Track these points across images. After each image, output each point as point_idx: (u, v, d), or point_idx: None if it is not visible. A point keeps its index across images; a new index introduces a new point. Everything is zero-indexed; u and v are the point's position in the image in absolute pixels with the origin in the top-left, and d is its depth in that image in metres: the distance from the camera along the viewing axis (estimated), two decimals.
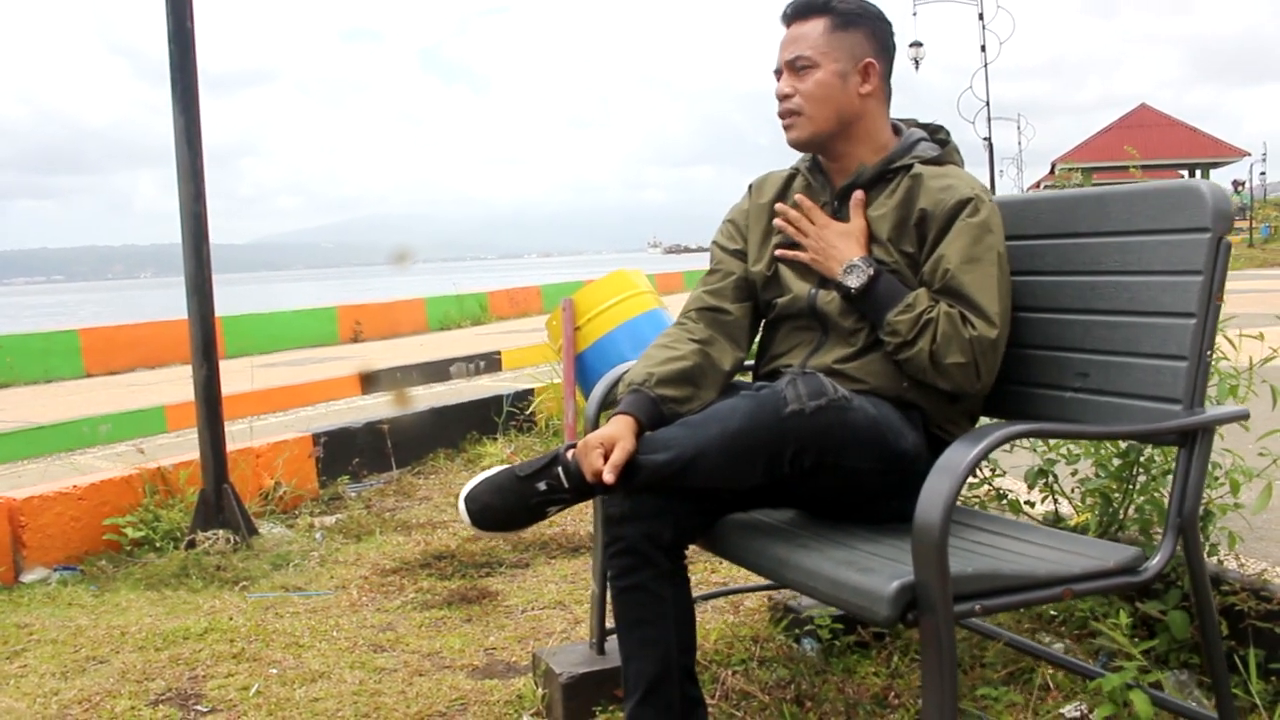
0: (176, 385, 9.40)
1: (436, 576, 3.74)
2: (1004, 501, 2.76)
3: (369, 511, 4.75)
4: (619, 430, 1.98)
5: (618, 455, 1.92)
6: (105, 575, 3.94)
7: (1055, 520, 2.75)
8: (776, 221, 2.27)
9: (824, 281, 2.19)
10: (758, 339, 2.41)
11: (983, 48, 19.65)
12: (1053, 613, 2.74)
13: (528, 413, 6.18)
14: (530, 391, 6.34)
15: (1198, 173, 30.99)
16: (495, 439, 5.97)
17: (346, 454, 5.21)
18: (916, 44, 23.28)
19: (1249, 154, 33.08)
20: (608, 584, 2.02)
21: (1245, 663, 2.22)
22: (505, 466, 2.07)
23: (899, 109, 2.32)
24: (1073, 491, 2.73)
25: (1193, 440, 1.82)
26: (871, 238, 2.16)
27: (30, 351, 10.88)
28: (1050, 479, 2.72)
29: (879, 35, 2.23)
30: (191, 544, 4.06)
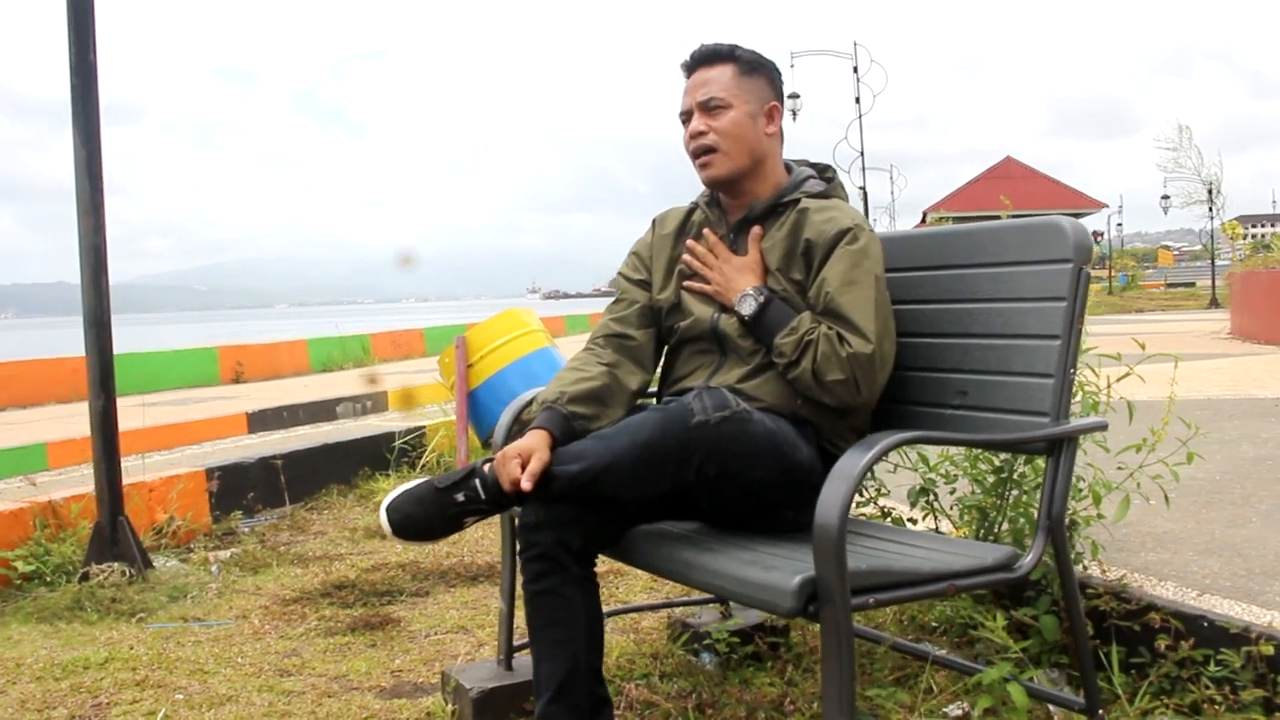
0: (54, 423, 9.17)
1: (338, 605, 3.78)
2: (888, 519, 2.94)
3: (264, 545, 4.75)
4: (535, 442, 2.10)
5: (535, 464, 2.04)
6: None
7: None
8: (685, 257, 2.44)
9: (725, 307, 2.36)
10: (661, 364, 2.56)
11: (857, 100, 20.33)
12: (935, 624, 2.93)
13: (427, 449, 6.22)
14: (422, 429, 6.39)
15: None
16: (388, 475, 6.01)
17: (240, 489, 5.19)
18: (794, 95, 23.94)
19: (1107, 205, 34.65)
20: (522, 590, 2.12)
21: (1109, 659, 2.42)
22: (425, 479, 2.18)
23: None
24: (951, 509, 2.92)
25: (1059, 449, 2.02)
26: (765, 268, 2.34)
27: None
28: (931, 497, 2.91)
29: (776, 83, 2.44)
30: (85, 577, 4.01)
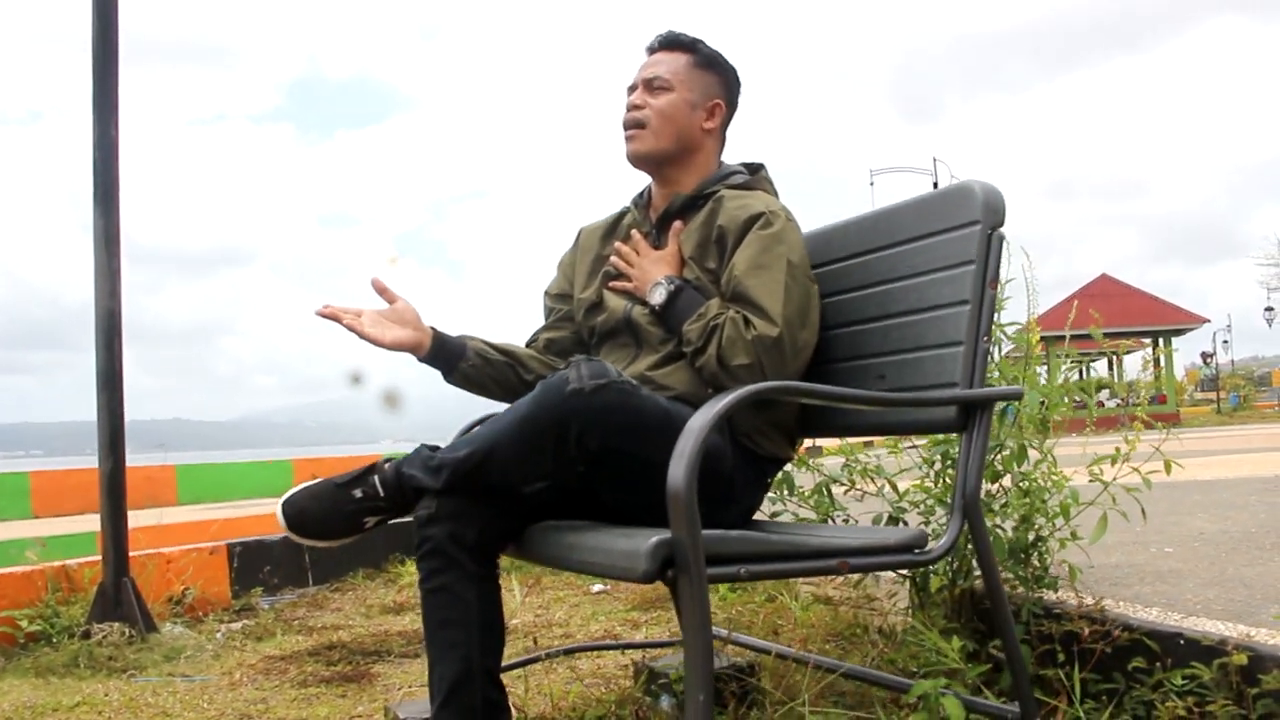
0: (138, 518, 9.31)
1: (324, 663, 3.69)
2: None
3: (278, 619, 4.69)
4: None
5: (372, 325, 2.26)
6: None
7: None
8: (611, 259, 2.40)
9: (641, 300, 2.32)
10: None
11: None
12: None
13: None
14: None
15: (1160, 340, 31.38)
16: None
17: (262, 566, 5.17)
18: None
19: (1209, 320, 33.57)
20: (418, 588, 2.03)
21: (1072, 680, 2.22)
22: (326, 478, 2.12)
23: None
24: None
25: (972, 421, 1.88)
26: (682, 259, 2.30)
27: None
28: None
29: (730, 85, 2.43)
30: (86, 635, 4.00)
